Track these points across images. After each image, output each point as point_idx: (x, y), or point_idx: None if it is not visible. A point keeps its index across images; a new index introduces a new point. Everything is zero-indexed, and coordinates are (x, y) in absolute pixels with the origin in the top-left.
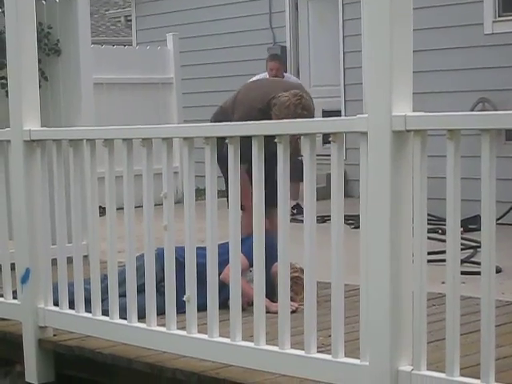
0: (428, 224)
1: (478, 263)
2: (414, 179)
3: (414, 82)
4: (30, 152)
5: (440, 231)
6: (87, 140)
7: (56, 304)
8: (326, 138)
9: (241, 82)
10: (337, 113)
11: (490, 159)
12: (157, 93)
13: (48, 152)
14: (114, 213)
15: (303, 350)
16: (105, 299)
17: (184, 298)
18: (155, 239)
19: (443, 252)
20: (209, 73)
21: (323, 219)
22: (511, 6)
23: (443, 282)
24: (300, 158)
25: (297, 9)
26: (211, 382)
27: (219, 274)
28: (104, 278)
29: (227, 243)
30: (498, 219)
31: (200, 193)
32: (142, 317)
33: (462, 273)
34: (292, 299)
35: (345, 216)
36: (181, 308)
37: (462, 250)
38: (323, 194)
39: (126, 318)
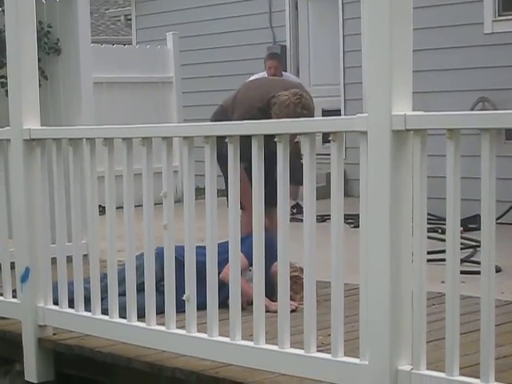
0: (428, 223)
1: (478, 262)
2: (413, 178)
3: (414, 81)
4: (30, 151)
5: (440, 230)
6: (87, 139)
7: (56, 303)
8: (326, 138)
9: (241, 81)
10: (337, 112)
11: (489, 158)
12: (157, 92)
13: (48, 151)
14: (114, 212)
15: (303, 349)
16: (104, 298)
17: (183, 297)
18: (155, 238)
19: (443, 251)
20: (209, 72)
21: (323, 218)
22: (511, 5)
23: (443, 282)
24: (301, 160)
25: (297, 8)
26: (211, 381)
27: (219, 274)
28: (104, 277)
29: (227, 242)
30: (497, 218)
31: (200, 192)
32: (141, 316)
33: (462, 272)
34: (292, 298)
35: (344, 215)
36: (180, 307)
37: (461, 249)
38: (323, 193)
39: (125, 317)
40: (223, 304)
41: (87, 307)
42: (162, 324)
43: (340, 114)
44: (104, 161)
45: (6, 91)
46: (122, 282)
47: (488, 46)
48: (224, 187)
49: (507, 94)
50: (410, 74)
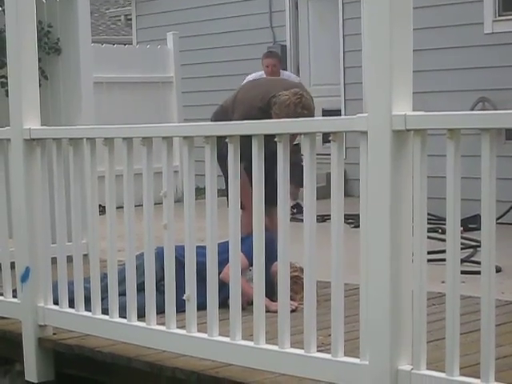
0: (428, 223)
1: (478, 262)
2: (414, 178)
3: (414, 81)
4: (30, 151)
5: (440, 230)
6: (87, 139)
7: (56, 303)
8: (326, 138)
9: (241, 81)
10: (337, 112)
11: (490, 158)
12: (157, 92)
13: (48, 151)
14: (114, 211)
15: (303, 349)
16: (104, 298)
17: (184, 297)
18: (155, 238)
19: (443, 251)
20: (209, 72)
21: (323, 218)
22: (511, 5)
23: (443, 282)
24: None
25: (297, 8)
26: (211, 381)
27: (219, 273)
28: (104, 277)
29: (227, 242)
30: (497, 218)
31: (200, 192)
32: (141, 316)
33: (462, 272)
34: (292, 298)
35: (345, 215)
36: (180, 307)
37: (461, 249)
38: (323, 193)
39: (125, 317)
40: (223, 304)
41: (87, 307)
42: (163, 324)
43: (340, 114)
44: (104, 161)
45: (7, 91)
46: (122, 281)
47: (488, 46)
48: (224, 187)
49: (507, 94)
50: (410, 74)
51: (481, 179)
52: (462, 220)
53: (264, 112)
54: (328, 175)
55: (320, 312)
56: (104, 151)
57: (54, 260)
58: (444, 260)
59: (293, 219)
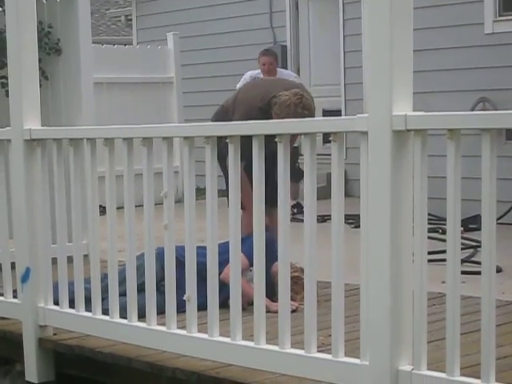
0: (428, 223)
1: (479, 263)
2: (414, 179)
3: (414, 81)
4: (31, 151)
5: (440, 231)
6: (87, 139)
7: (56, 303)
8: (327, 138)
9: None
10: (337, 112)
11: (490, 159)
12: (157, 92)
13: (48, 151)
14: (115, 212)
15: (303, 349)
16: (105, 298)
17: (184, 298)
18: (155, 238)
19: (443, 251)
20: (209, 72)
21: (323, 219)
22: (511, 5)
23: (443, 282)
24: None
25: (297, 8)
26: (211, 382)
27: (219, 274)
28: (104, 277)
29: (227, 243)
30: (498, 219)
31: (200, 192)
32: (142, 316)
33: (463, 272)
34: (292, 299)
35: (345, 215)
36: (181, 307)
37: (462, 249)
38: (323, 193)
39: (126, 318)
40: (224, 304)
41: (88, 307)
42: (163, 324)
43: (340, 115)
44: (104, 161)
45: (7, 91)
46: (122, 282)
47: (488, 46)
48: (224, 187)
49: (507, 94)
50: (410, 74)
51: (481, 179)
52: (462, 220)
53: (264, 112)
54: (328, 175)
55: (320, 312)
56: (104, 151)
57: (54, 260)
58: (444, 260)
59: (293, 219)
